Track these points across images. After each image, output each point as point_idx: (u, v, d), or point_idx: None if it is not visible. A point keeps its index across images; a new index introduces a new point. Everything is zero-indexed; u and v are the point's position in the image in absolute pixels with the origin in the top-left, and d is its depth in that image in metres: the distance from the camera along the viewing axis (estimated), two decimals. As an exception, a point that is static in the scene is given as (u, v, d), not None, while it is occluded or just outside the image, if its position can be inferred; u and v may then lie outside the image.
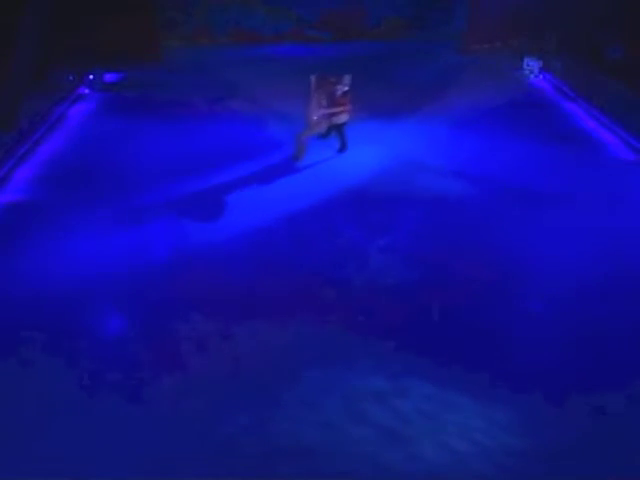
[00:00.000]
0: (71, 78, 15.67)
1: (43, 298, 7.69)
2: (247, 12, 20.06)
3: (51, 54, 14.66)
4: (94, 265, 8.41)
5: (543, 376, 6.46)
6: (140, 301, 7.73)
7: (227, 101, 14.90)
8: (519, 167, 11.31)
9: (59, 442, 5.72)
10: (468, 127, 13.22)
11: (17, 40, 13.16)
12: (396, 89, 15.73)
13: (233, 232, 9.26)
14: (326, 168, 11.35)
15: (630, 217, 9.56)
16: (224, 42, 20.05)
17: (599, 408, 6.04)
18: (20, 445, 5.69)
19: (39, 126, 12.99)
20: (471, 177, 10.93)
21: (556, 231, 9.17)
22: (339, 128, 11.64)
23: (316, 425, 5.88)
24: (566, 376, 6.47)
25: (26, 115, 12.72)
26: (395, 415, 5.98)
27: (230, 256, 8.67)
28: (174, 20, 19.63)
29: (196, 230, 9.34)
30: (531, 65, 16.83)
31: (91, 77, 15.90)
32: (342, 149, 11.83)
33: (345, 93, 11.29)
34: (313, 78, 11.26)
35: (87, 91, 15.83)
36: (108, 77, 16.51)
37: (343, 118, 11.47)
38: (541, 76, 16.68)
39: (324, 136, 11.85)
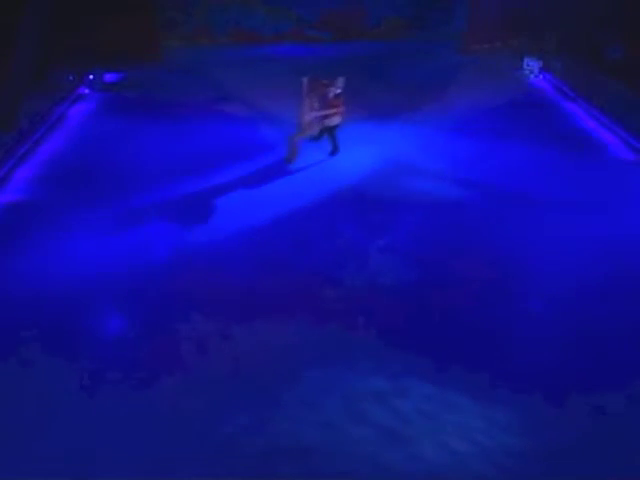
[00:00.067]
0: (71, 78, 15.67)
1: (43, 298, 7.69)
2: (247, 12, 20.06)
3: (51, 54, 14.66)
4: (94, 265, 8.41)
5: (543, 376, 6.46)
6: (140, 301, 7.73)
7: (227, 101, 14.90)
8: (519, 168, 11.31)
9: (59, 442, 5.72)
10: (468, 127, 13.21)
11: (17, 40, 13.17)
12: (396, 89, 15.73)
13: (233, 232, 9.26)
14: (321, 170, 11.28)
15: (630, 217, 9.56)
16: (224, 42, 20.06)
17: (599, 408, 6.04)
18: (20, 445, 5.69)
19: (39, 126, 12.98)
20: (471, 178, 10.93)
21: (556, 231, 9.16)
22: (331, 131, 11.53)
23: (316, 425, 5.88)
24: (566, 376, 6.47)
25: (26, 115, 12.73)
26: (395, 415, 5.98)
27: (230, 256, 8.67)
28: (174, 20, 19.63)
29: (196, 230, 9.34)
30: (531, 65, 16.84)
31: (91, 77, 15.91)
32: (334, 152, 11.71)
33: (338, 95, 11.17)
34: (305, 80, 11.16)
35: (87, 91, 15.84)
36: (108, 77, 16.52)
37: (335, 120, 11.35)
38: (541, 76, 16.68)
39: (316, 138, 11.73)
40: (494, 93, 15.40)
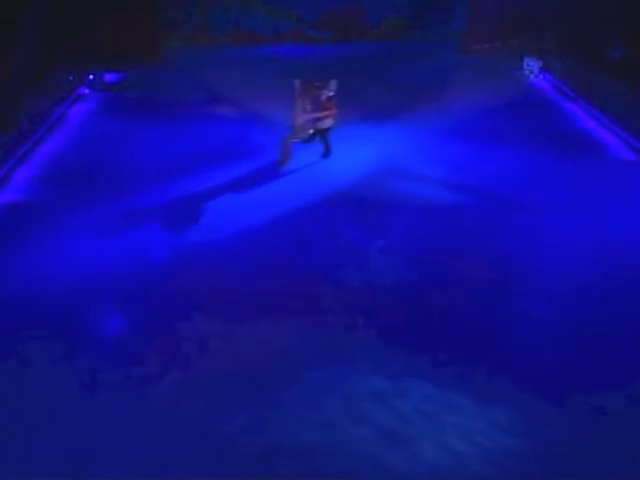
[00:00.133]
0: (71, 78, 15.67)
1: (43, 298, 7.69)
2: (247, 12, 20.07)
3: (51, 54, 14.66)
4: (94, 265, 8.41)
5: (543, 376, 6.46)
6: (140, 301, 7.73)
7: (227, 101, 14.90)
8: (519, 168, 11.31)
9: (59, 442, 5.72)
10: (468, 128, 13.21)
11: (17, 40, 13.16)
12: (395, 89, 15.74)
13: (232, 232, 9.26)
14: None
15: (630, 217, 9.55)
16: (224, 42, 20.06)
17: (599, 408, 6.04)
18: (20, 445, 5.69)
19: (39, 126, 12.99)
20: (470, 180, 10.92)
21: (555, 231, 9.16)
22: (323, 133, 11.43)
23: (316, 425, 5.88)
24: (566, 376, 6.46)
25: (26, 115, 12.72)
26: (395, 415, 5.97)
27: (229, 256, 8.67)
28: (174, 20, 19.64)
29: (195, 230, 9.34)
30: (531, 65, 16.85)
31: (91, 77, 15.92)
32: (326, 155, 11.63)
33: (330, 98, 11.09)
34: (297, 83, 11.07)
35: (87, 91, 15.85)
36: (108, 77, 16.53)
37: (328, 123, 11.25)
38: (541, 76, 16.69)
39: (308, 141, 11.56)
40: (494, 93, 15.41)
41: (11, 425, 5.90)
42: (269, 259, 8.60)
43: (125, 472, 5.46)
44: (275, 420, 5.94)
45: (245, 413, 6.01)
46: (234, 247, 8.90)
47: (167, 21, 19.30)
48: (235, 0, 19.91)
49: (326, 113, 11.12)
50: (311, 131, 11.32)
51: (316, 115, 11.10)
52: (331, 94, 11.09)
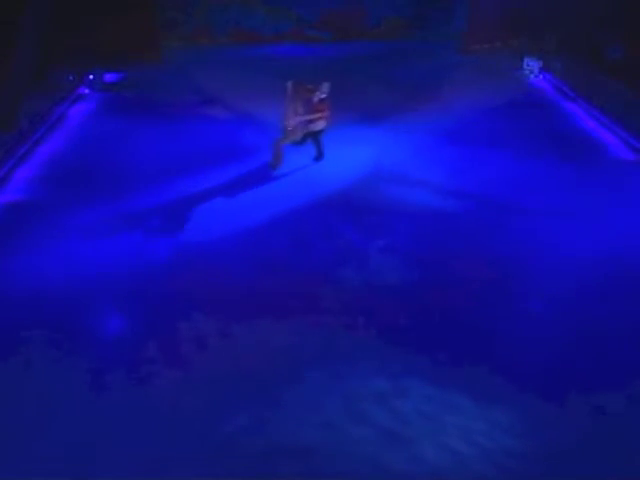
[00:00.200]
0: (71, 78, 15.68)
1: (43, 298, 7.69)
2: (247, 12, 20.07)
3: (51, 54, 14.66)
4: (94, 265, 8.41)
5: (543, 376, 6.46)
6: (140, 301, 7.73)
7: (227, 101, 14.89)
8: (518, 169, 11.30)
9: (59, 442, 5.72)
10: (468, 128, 13.22)
11: (17, 40, 13.16)
12: (395, 89, 15.73)
13: (232, 232, 9.26)
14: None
15: (630, 217, 9.55)
16: (224, 42, 20.06)
17: (599, 408, 6.04)
18: (20, 445, 5.69)
19: (39, 126, 12.99)
20: (470, 181, 10.93)
21: (555, 231, 9.16)
22: (315, 136, 11.30)
23: (316, 425, 5.88)
24: (566, 376, 6.46)
25: (26, 115, 12.72)
26: (395, 415, 5.97)
27: (229, 256, 8.67)
28: (174, 20, 19.64)
29: (195, 230, 9.34)
30: (531, 65, 16.85)
31: (91, 77, 15.92)
32: (318, 157, 11.51)
33: (323, 100, 10.96)
34: (289, 84, 10.93)
35: (87, 91, 15.85)
36: (108, 77, 16.53)
37: (320, 125, 11.12)
38: (541, 76, 16.69)
39: (299, 143, 11.39)
40: (494, 93, 15.40)
41: (11, 425, 5.90)
42: (269, 259, 8.60)
43: (125, 472, 5.46)
44: (275, 420, 5.94)
45: (245, 413, 6.01)
46: (234, 247, 8.90)
47: (167, 21, 19.30)
48: (235, 0, 19.92)
49: (318, 115, 10.99)
50: (303, 133, 11.16)
51: (308, 117, 10.98)
52: (323, 96, 10.96)
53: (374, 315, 7.43)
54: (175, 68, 17.70)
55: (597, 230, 9.16)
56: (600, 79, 14.38)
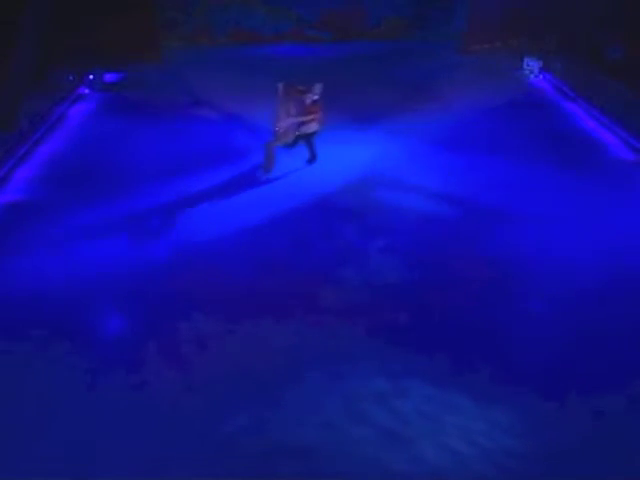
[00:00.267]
0: (71, 78, 15.67)
1: (43, 298, 7.69)
2: (247, 12, 20.05)
3: (51, 54, 14.65)
4: (94, 265, 8.41)
5: (543, 377, 6.46)
6: (140, 301, 7.73)
7: (226, 102, 14.89)
8: (518, 169, 11.29)
9: (59, 442, 5.72)
10: (468, 128, 13.21)
11: (17, 40, 13.16)
12: (395, 90, 15.71)
13: (232, 232, 9.26)
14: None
15: (630, 218, 9.55)
16: (224, 42, 20.04)
17: (599, 408, 6.04)
18: (20, 445, 5.69)
19: (39, 126, 12.99)
20: (469, 182, 10.93)
21: (555, 232, 9.16)
22: (308, 138, 11.11)
23: (316, 425, 5.88)
24: (566, 376, 6.46)
25: (26, 115, 12.71)
26: (395, 416, 5.97)
27: (229, 256, 8.67)
28: (174, 20, 19.62)
29: (195, 230, 9.33)
30: (531, 65, 16.84)
31: (91, 77, 15.91)
32: (311, 160, 11.33)
33: (315, 102, 10.77)
34: (281, 86, 10.75)
35: (87, 91, 15.84)
36: (108, 77, 16.52)
37: (312, 128, 10.93)
38: (541, 76, 16.69)
39: (290, 146, 11.16)
40: (494, 93, 15.40)
41: (11, 425, 5.91)
42: (269, 259, 8.60)
43: (125, 472, 5.46)
44: (275, 420, 5.94)
45: (245, 413, 6.01)
46: (234, 247, 8.90)
47: (167, 21, 19.28)
48: (235, 0, 19.90)
49: (311, 117, 10.82)
50: (295, 135, 10.97)
51: (300, 119, 10.80)
52: (316, 97, 10.76)
53: (374, 315, 7.43)
54: (175, 68, 17.69)
55: (597, 230, 9.16)
56: (600, 79, 14.37)
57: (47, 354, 6.80)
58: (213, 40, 20.07)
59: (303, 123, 10.89)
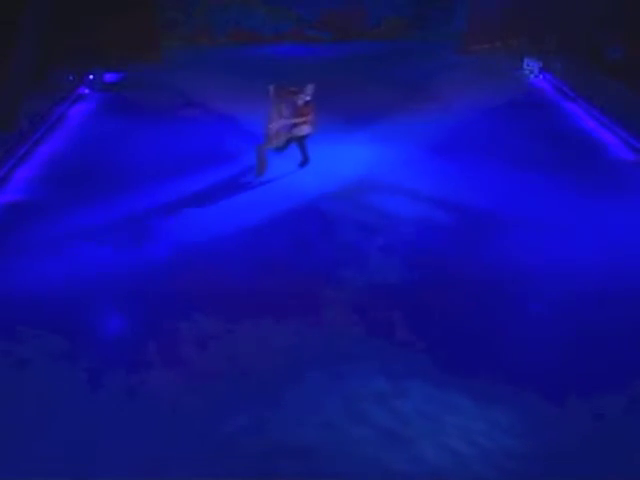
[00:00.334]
0: (71, 78, 15.68)
1: (43, 298, 7.69)
2: (247, 12, 20.07)
3: (51, 54, 14.66)
4: (94, 265, 8.41)
5: (543, 377, 6.45)
6: (140, 301, 7.73)
7: (226, 102, 14.88)
8: (518, 170, 11.29)
9: (59, 442, 5.72)
10: (468, 127, 13.21)
11: (17, 40, 13.17)
12: (395, 90, 15.71)
13: (233, 231, 9.27)
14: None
15: (630, 218, 9.55)
16: (224, 42, 20.06)
17: (599, 409, 6.03)
18: (20, 445, 5.69)
19: (39, 126, 12.99)
20: (470, 181, 10.94)
21: (555, 232, 9.16)
22: (300, 141, 10.96)
23: (316, 425, 5.88)
24: (566, 377, 6.46)
25: (26, 115, 12.72)
26: (395, 416, 5.97)
27: (230, 255, 8.67)
28: (174, 20, 19.64)
29: (195, 230, 9.33)
30: (531, 65, 16.86)
31: (91, 77, 15.93)
32: (304, 163, 11.16)
33: (307, 103, 10.64)
34: (272, 88, 10.65)
35: (87, 91, 15.85)
36: (108, 77, 16.54)
37: (305, 130, 10.79)
38: (541, 76, 16.69)
39: (281, 149, 11.06)
40: (494, 93, 15.41)
41: (11, 425, 5.90)
42: (269, 259, 8.60)
43: (125, 472, 5.46)
44: (275, 420, 5.93)
45: (245, 413, 6.01)
46: (234, 247, 8.90)
47: (167, 21, 19.30)
48: (235, 0, 19.92)
49: (303, 119, 10.66)
50: (287, 138, 10.86)
51: (292, 121, 10.65)
52: (308, 98, 10.63)
53: (374, 315, 7.43)
54: (175, 68, 17.69)
55: (597, 231, 9.17)
56: (600, 79, 14.38)
57: (47, 354, 6.80)
58: (213, 40, 20.08)
59: (295, 125, 10.74)
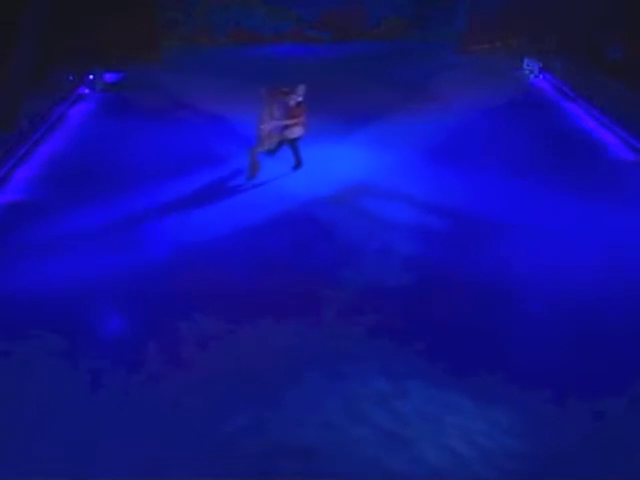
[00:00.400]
0: (71, 78, 15.68)
1: (43, 298, 7.69)
2: (247, 12, 20.08)
3: (51, 54, 14.67)
4: (94, 265, 8.41)
5: (543, 378, 6.45)
6: (140, 301, 7.73)
7: (226, 102, 14.88)
8: (518, 168, 11.30)
9: (59, 442, 5.72)
10: (468, 127, 13.21)
11: (17, 40, 13.17)
12: (395, 90, 15.72)
13: (232, 231, 9.26)
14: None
15: (630, 218, 9.54)
16: (224, 42, 20.08)
17: (599, 409, 6.03)
18: (20, 445, 5.69)
19: (39, 126, 12.99)
20: (470, 182, 10.94)
21: (555, 233, 9.16)
22: (292, 143, 10.83)
23: (316, 425, 5.88)
24: (566, 377, 6.46)
25: (26, 115, 12.72)
26: (395, 416, 5.97)
27: (230, 255, 8.67)
28: (174, 20, 19.65)
29: (195, 229, 9.33)
30: (531, 65, 16.87)
31: (91, 77, 15.93)
32: (297, 165, 11.05)
33: (299, 104, 10.54)
34: (264, 90, 10.55)
35: (87, 91, 15.85)
36: (108, 77, 16.55)
37: (296, 132, 10.68)
38: (541, 76, 16.69)
39: (273, 152, 10.94)
40: (494, 93, 15.41)
41: (11, 425, 5.90)
42: (269, 259, 8.60)
43: (125, 472, 5.46)
44: (275, 420, 5.93)
45: (245, 413, 6.01)
46: (234, 247, 8.90)
47: (167, 21, 19.31)
48: (235, 0, 19.92)
49: (294, 121, 10.53)
50: (278, 140, 10.76)
51: (284, 123, 10.54)
52: (300, 99, 10.53)
53: (374, 315, 7.43)
54: (175, 68, 17.69)
55: (597, 231, 9.16)
56: (600, 79, 14.38)
57: (47, 354, 6.80)
58: (213, 40, 20.09)
59: (287, 127, 10.63)
